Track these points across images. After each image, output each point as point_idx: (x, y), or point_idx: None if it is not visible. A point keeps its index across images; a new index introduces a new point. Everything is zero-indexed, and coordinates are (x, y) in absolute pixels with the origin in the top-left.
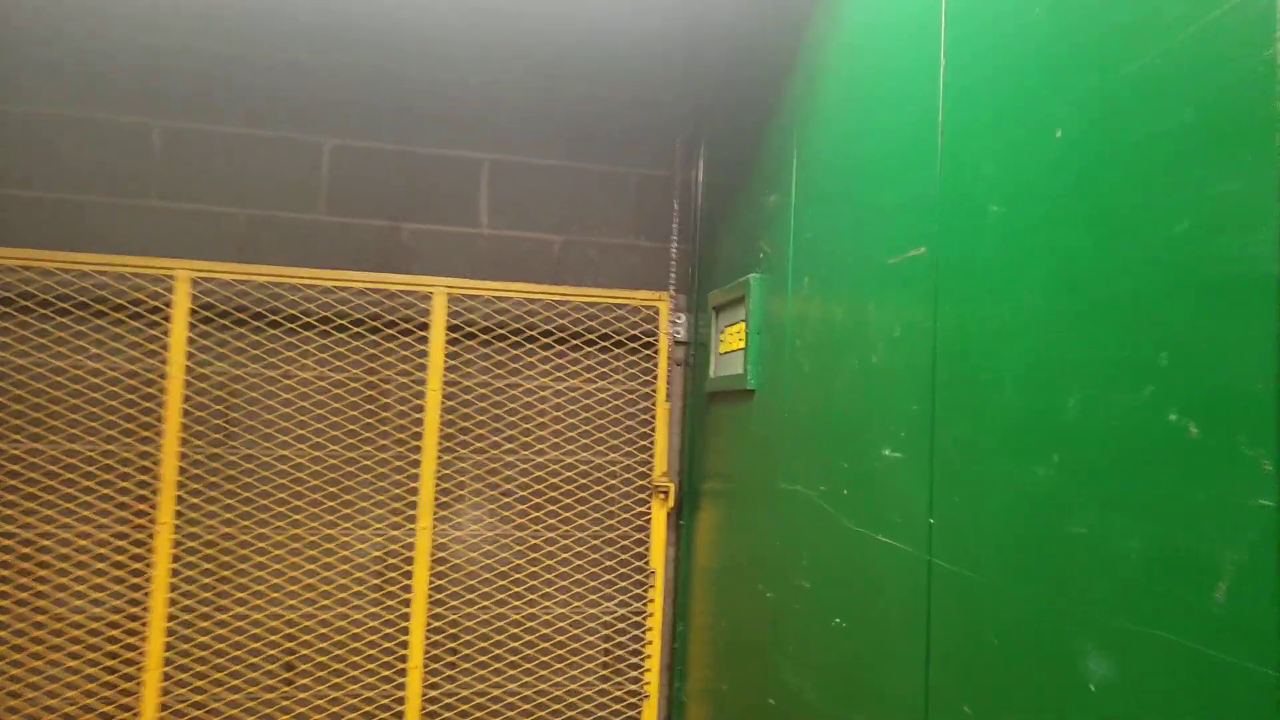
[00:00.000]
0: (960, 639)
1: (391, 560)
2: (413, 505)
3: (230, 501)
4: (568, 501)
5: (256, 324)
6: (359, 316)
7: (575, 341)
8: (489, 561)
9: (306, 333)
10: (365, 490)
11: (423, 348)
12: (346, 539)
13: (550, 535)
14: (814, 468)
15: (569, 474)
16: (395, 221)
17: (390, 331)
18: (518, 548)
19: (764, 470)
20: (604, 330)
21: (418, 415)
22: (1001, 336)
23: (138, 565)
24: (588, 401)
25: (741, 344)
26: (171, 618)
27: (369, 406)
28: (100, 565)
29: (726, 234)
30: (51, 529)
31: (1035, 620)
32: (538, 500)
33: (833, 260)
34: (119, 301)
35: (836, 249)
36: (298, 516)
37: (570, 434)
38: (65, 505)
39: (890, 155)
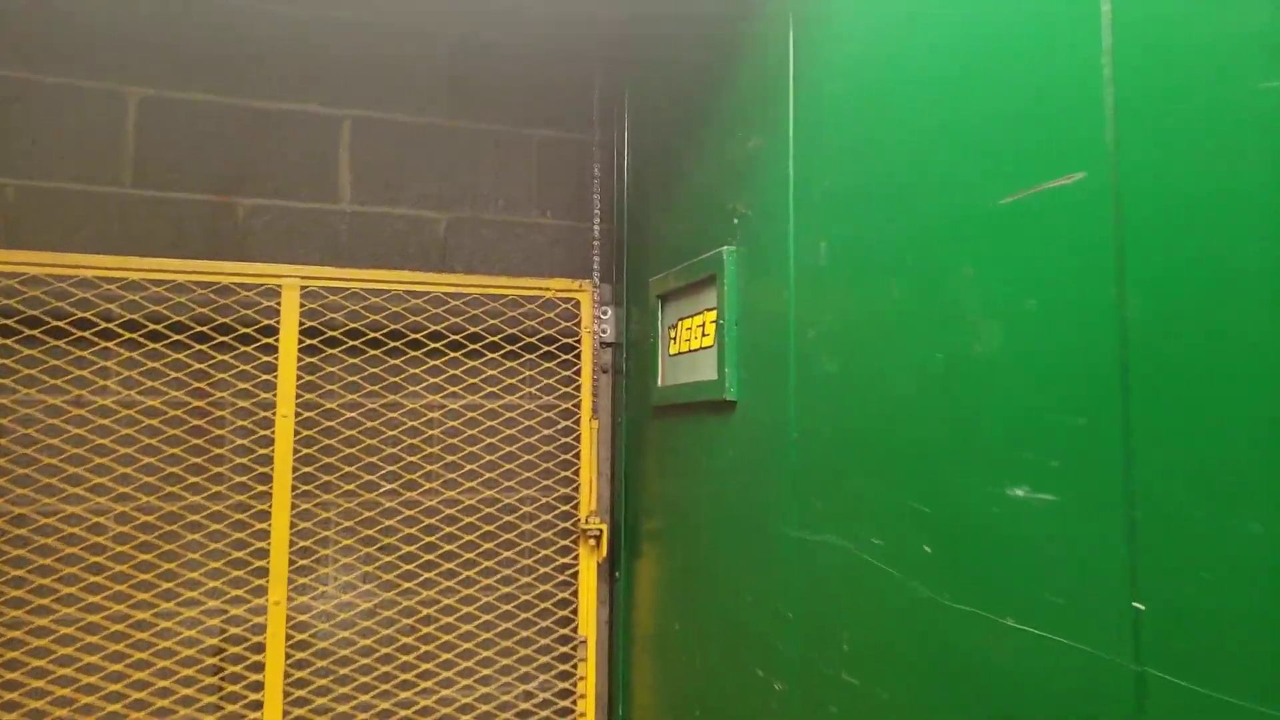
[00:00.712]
0: None
1: (233, 648)
2: (261, 571)
3: None
4: (469, 556)
5: (29, 332)
6: (180, 320)
7: (472, 346)
8: (366, 642)
9: (106, 343)
10: (193, 555)
11: (269, 359)
12: (168, 623)
13: (446, 602)
14: (859, 510)
15: (469, 519)
16: (228, 195)
17: (225, 339)
18: (404, 620)
19: (758, 510)
20: (509, 331)
21: (265, 450)
22: None
23: None
24: (490, 423)
25: (709, 341)
26: None
27: (196, 441)
28: None
29: (673, 202)
30: None
31: None
32: (429, 556)
33: (877, 212)
34: None
35: (883, 195)
36: (95, 598)
37: (470, 466)
38: None
39: (993, 35)
